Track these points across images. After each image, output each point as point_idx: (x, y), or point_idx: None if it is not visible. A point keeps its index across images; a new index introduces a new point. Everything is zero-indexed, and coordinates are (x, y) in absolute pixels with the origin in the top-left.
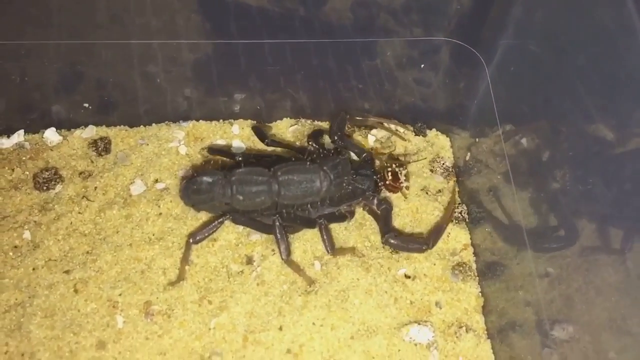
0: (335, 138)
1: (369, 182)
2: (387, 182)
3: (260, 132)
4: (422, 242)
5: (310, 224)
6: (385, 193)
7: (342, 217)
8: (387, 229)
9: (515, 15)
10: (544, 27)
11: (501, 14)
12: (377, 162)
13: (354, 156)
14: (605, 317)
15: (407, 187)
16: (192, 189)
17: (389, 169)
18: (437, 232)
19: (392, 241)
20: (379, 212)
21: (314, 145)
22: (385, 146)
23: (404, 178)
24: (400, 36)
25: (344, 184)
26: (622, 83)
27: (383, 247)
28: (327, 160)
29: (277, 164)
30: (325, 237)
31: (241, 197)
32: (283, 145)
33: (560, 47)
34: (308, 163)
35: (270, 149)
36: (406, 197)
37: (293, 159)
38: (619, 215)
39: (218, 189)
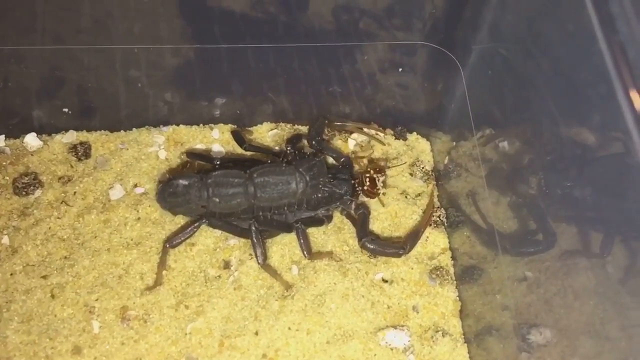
0: (314, 142)
1: (346, 187)
2: (365, 188)
3: (239, 137)
4: (399, 246)
5: (287, 228)
6: (363, 198)
7: (319, 221)
8: (363, 233)
9: (488, 19)
10: (513, 31)
11: (474, 17)
12: (357, 167)
13: (332, 161)
14: (584, 322)
15: (384, 194)
16: (168, 192)
17: (367, 175)
18: (414, 236)
19: (368, 245)
20: (356, 216)
21: (291, 149)
22: (365, 150)
23: (382, 184)
24: (379, 40)
25: (320, 186)
26: (586, 86)
27: (361, 252)
28: (303, 162)
29: (252, 167)
30: (302, 240)
31: (217, 200)
32: (261, 150)
33: (528, 50)
34: (284, 165)
35: (249, 153)
36: (383, 205)
37: (269, 162)
38: (597, 219)
39: (194, 192)
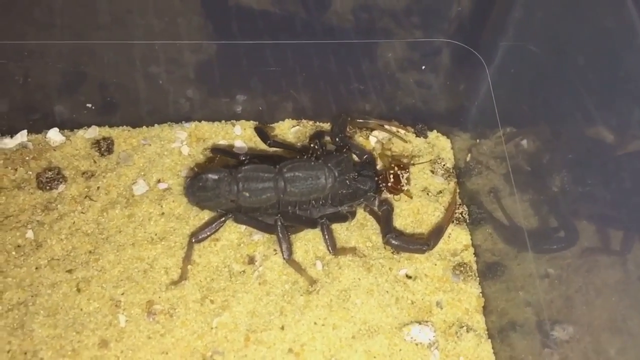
0: (337, 139)
1: (370, 183)
2: (389, 185)
3: (263, 133)
4: (423, 242)
5: (312, 224)
6: (386, 194)
7: (343, 217)
8: (388, 229)
9: (516, 17)
10: (543, 28)
11: (501, 16)
12: (380, 164)
13: (355, 157)
14: (606, 318)
15: (409, 190)
16: (197, 186)
17: (391, 172)
18: (437, 232)
19: (393, 242)
20: (380, 212)
21: (316, 145)
22: (386, 147)
23: (406, 181)
24: (401, 38)
25: (347, 181)
26: (621, 83)
27: (384, 248)
28: (331, 158)
29: (282, 162)
30: (327, 237)
31: (247, 194)
32: (285, 146)
33: (560, 47)
34: (313, 160)
35: (272, 149)
36: (411, 197)
37: (297, 157)
38: (619, 216)
39: (224, 186)
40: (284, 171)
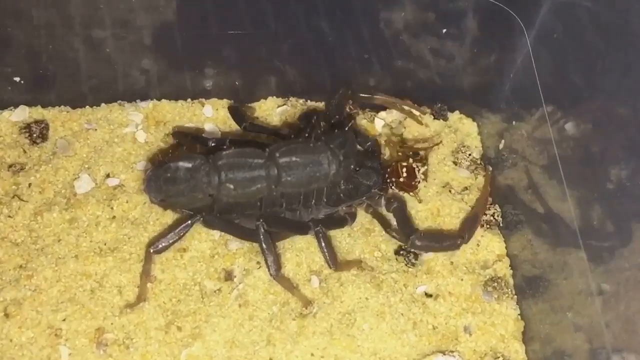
0: (333, 121)
1: (375, 177)
2: (401, 180)
3: (238, 114)
4: (456, 235)
5: (302, 229)
6: (393, 190)
7: (341, 221)
8: (409, 229)
9: None
10: None
11: None
12: (387, 153)
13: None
14: None
15: (424, 187)
16: (164, 178)
17: (404, 164)
18: (472, 222)
19: (419, 243)
20: (390, 212)
21: (310, 125)
22: (396, 133)
23: (422, 176)
24: None
25: (352, 167)
26: None
27: (396, 259)
28: (334, 137)
29: (272, 145)
30: (324, 247)
31: (232, 186)
32: (267, 130)
33: (625, 3)
34: (312, 142)
35: (252, 134)
36: (420, 201)
37: (292, 138)
38: None
39: (201, 177)
40: (276, 156)
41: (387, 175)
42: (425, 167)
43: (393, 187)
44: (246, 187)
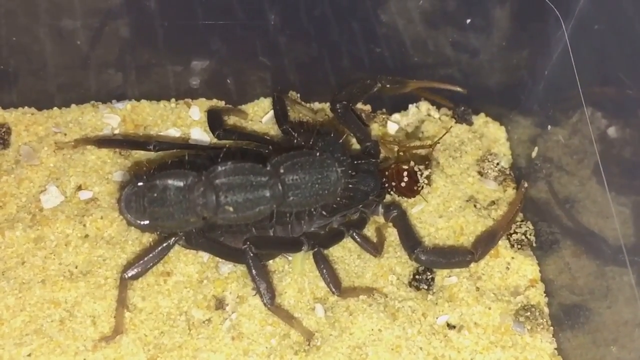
0: (338, 106)
1: (373, 182)
2: (401, 185)
3: (216, 118)
4: (467, 251)
5: (294, 246)
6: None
7: (338, 235)
8: (413, 241)
9: None
10: None
11: None
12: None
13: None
14: None
15: (428, 192)
16: (149, 198)
17: (405, 167)
18: (488, 239)
19: (423, 257)
20: (389, 222)
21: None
22: (413, 137)
23: (425, 181)
24: None
25: (349, 173)
26: None
27: (411, 286)
28: (329, 142)
29: (273, 158)
30: (323, 269)
31: (232, 209)
32: (245, 137)
33: None
34: (317, 153)
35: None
36: (427, 201)
37: (293, 148)
38: None
39: (195, 198)
40: (280, 172)
41: (385, 180)
42: (429, 170)
43: (392, 192)
44: (248, 210)
